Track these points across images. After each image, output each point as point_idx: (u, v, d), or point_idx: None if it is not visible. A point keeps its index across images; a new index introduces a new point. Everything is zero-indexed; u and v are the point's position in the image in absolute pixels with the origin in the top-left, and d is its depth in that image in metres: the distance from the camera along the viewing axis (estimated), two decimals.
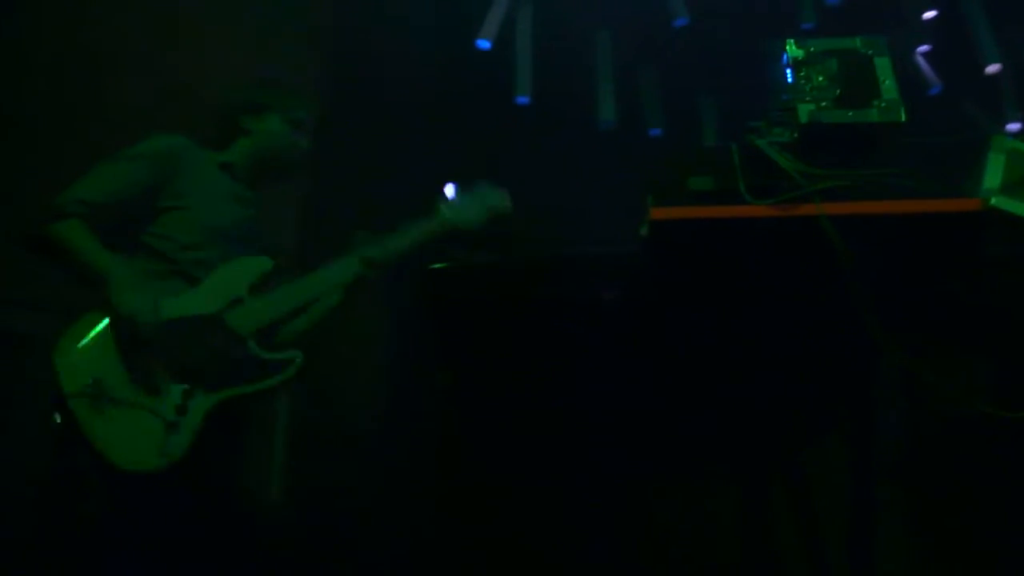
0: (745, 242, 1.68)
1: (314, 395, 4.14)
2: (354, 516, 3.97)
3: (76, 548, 2.35)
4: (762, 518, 2.35)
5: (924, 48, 4.52)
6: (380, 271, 2.57)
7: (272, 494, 4.04)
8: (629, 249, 1.82)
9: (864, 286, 1.55)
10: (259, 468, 3.93)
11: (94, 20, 3.60)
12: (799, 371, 2.00)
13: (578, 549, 2.83)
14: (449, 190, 2.71)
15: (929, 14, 4.41)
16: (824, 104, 1.70)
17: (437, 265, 2.44)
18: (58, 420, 2.11)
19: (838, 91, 1.70)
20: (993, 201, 1.67)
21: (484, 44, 4.48)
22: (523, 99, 4.57)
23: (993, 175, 1.69)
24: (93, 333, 2.20)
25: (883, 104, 1.68)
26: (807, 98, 1.71)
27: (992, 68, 4.30)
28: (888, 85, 1.69)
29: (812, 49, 1.76)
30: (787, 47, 1.79)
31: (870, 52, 1.74)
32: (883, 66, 1.71)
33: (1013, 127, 4.53)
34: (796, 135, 1.72)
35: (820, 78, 1.72)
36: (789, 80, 1.75)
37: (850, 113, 1.68)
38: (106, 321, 2.20)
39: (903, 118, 1.67)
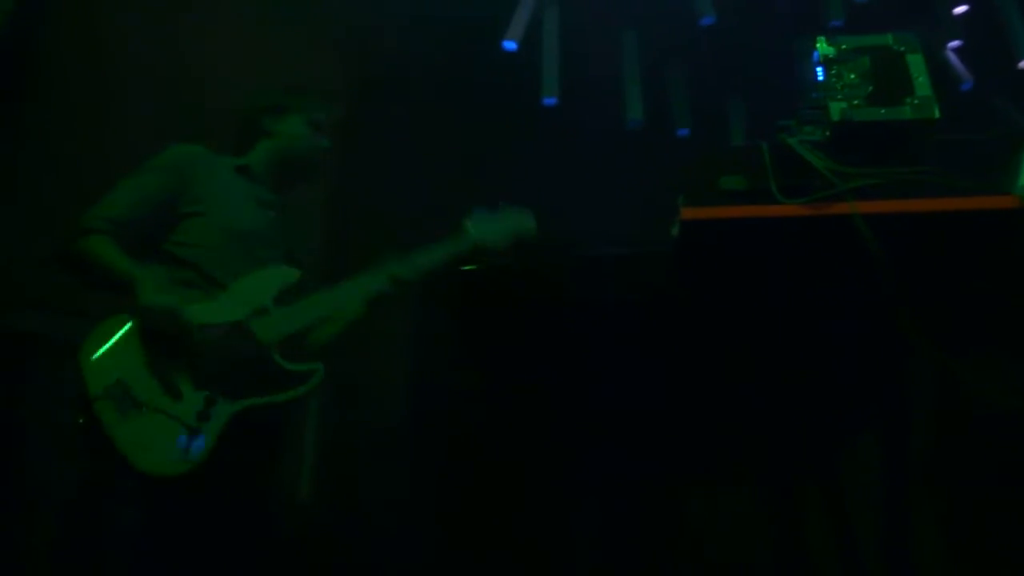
0: (777, 242, 1.67)
1: (342, 396, 4.17)
2: (381, 516, 3.99)
3: (98, 551, 2.38)
4: (794, 518, 2.34)
5: (955, 43, 4.47)
6: (405, 288, 2.60)
7: (303, 494, 4.07)
8: (658, 250, 1.82)
9: (897, 285, 1.54)
10: (290, 469, 3.96)
11: (106, 25, 3.63)
12: (831, 371, 1.99)
13: (608, 548, 2.83)
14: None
15: (960, 9, 4.36)
16: (856, 102, 1.68)
17: (466, 267, 2.45)
18: (81, 422, 2.13)
19: (870, 88, 1.69)
20: None
21: (510, 45, 4.49)
22: (550, 100, 4.57)
23: None
24: (118, 336, 2.22)
25: (916, 101, 1.66)
26: (839, 96, 1.70)
27: None
28: (921, 82, 1.67)
29: (843, 47, 1.75)
30: (818, 45, 1.78)
31: (902, 49, 1.73)
32: (916, 63, 1.70)
33: None
34: (828, 133, 1.71)
35: (852, 76, 1.71)
36: (820, 78, 1.74)
37: (883, 111, 1.67)
38: (131, 324, 2.22)
39: (937, 115, 1.65)
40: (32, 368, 3.08)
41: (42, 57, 3.40)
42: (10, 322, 3.07)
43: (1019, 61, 4.24)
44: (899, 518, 2.14)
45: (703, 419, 2.13)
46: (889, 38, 1.75)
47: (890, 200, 1.61)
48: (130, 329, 2.22)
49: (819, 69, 1.75)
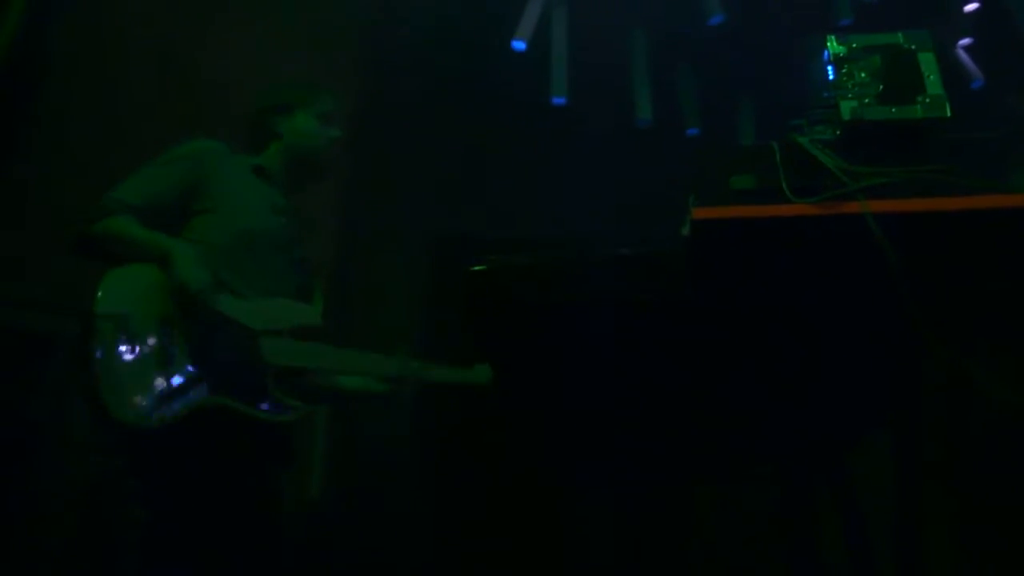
0: (788, 241, 1.67)
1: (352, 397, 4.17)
2: (390, 515, 4.00)
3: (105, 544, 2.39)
4: (806, 516, 2.33)
5: (965, 41, 4.45)
6: (406, 388, 2.62)
7: (312, 493, 4.08)
8: (668, 249, 1.82)
9: (910, 284, 1.54)
10: (301, 469, 3.97)
11: (123, 20, 3.65)
12: (844, 370, 1.98)
13: (620, 547, 2.83)
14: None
15: (971, 6, 4.34)
16: (867, 101, 1.68)
17: (476, 267, 2.45)
18: (79, 330, 2.14)
19: (881, 87, 1.68)
20: None
21: (519, 45, 4.49)
22: (559, 100, 4.57)
23: None
24: (143, 280, 2.24)
25: (927, 100, 1.65)
26: (849, 95, 1.69)
27: None
28: (932, 80, 1.66)
29: (854, 45, 1.74)
30: (828, 43, 1.77)
31: (913, 47, 1.72)
32: (927, 61, 1.69)
33: None
34: (839, 132, 1.70)
35: (863, 74, 1.70)
36: (831, 77, 1.73)
37: (894, 109, 1.66)
38: (159, 278, 2.23)
39: (948, 114, 1.64)
40: (44, 368, 3.10)
41: (53, 56, 3.42)
42: (23, 322, 3.09)
43: None
44: (911, 517, 2.14)
45: (714, 418, 2.13)
46: (900, 36, 1.74)
47: (901, 199, 1.60)
48: (157, 280, 2.23)
49: (829, 68, 1.74)
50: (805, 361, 1.94)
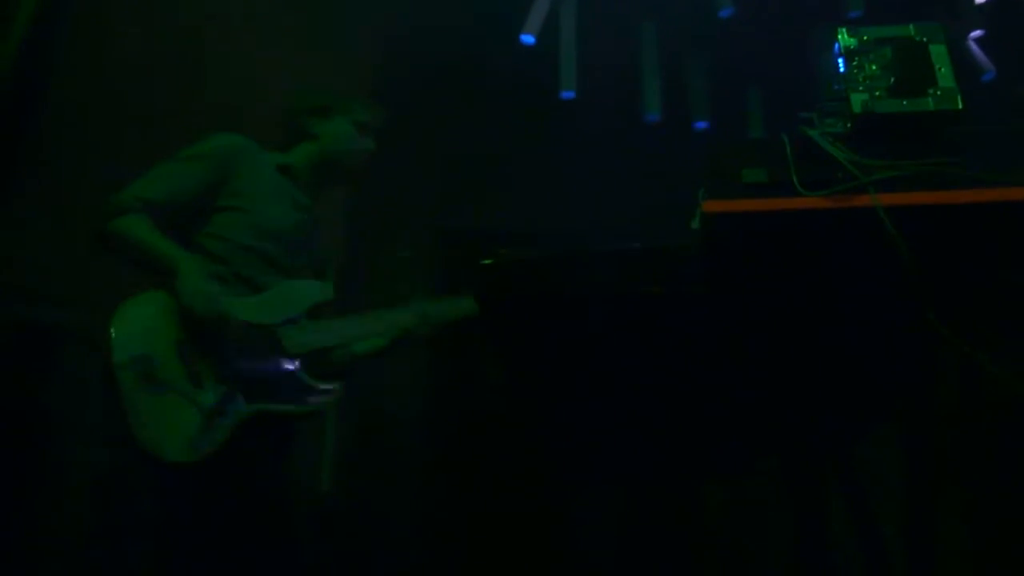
0: (799, 234, 1.67)
1: (362, 388, 4.19)
2: (399, 507, 4.01)
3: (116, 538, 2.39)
4: (816, 509, 2.33)
5: (977, 33, 4.43)
6: (431, 330, 2.59)
7: (323, 484, 4.09)
8: (677, 243, 1.82)
9: (921, 277, 1.54)
10: (311, 460, 3.99)
11: (139, 25, 3.65)
12: (855, 363, 1.98)
13: (628, 538, 2.83)
14: None
15: None
16: (878, 93, 1.67)
17: (485, 261, 2.45)
18: (103, 386, 2.09)
19: (892, 80, 1.68)
20: None
21: (528, 39, 4.49)
22: (568, 93, 4.57)
23: None
24: (151, 311, 2.19)
25: (939, 92, 1.65)
26: (860, 87, 1.69)
27: None
28: (944, 73, 1.66)
29: (865, 37, 1.74)
30: (839, 36, 1.77)
31: (925, 39, 1.71)
32: (939, 53, 1.68)
33: None
34: (849, 125, 1.70)
35: (873, 67, 1.70)
36: (841, 69, 1.73)
37: (905, 102, 1.66)
38: (167, 303, 2.19)
39: (960, 106, 1.64)
40: (56, 360, 3.12)
41: (62, 54, 3.43)
42: (35, 315, 3.10)
43: None
44: (922, 509, 2.14)
45: (724, 411, 2.13)
46: (911, 29, 1.73)
47: (912, 192, 1.60)
48: (166, 306, 2.19)
49: (840, 60, 1.74)
50: (815, 353, 1.94)
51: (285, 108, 2.73)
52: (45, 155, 3.27)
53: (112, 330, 2.12)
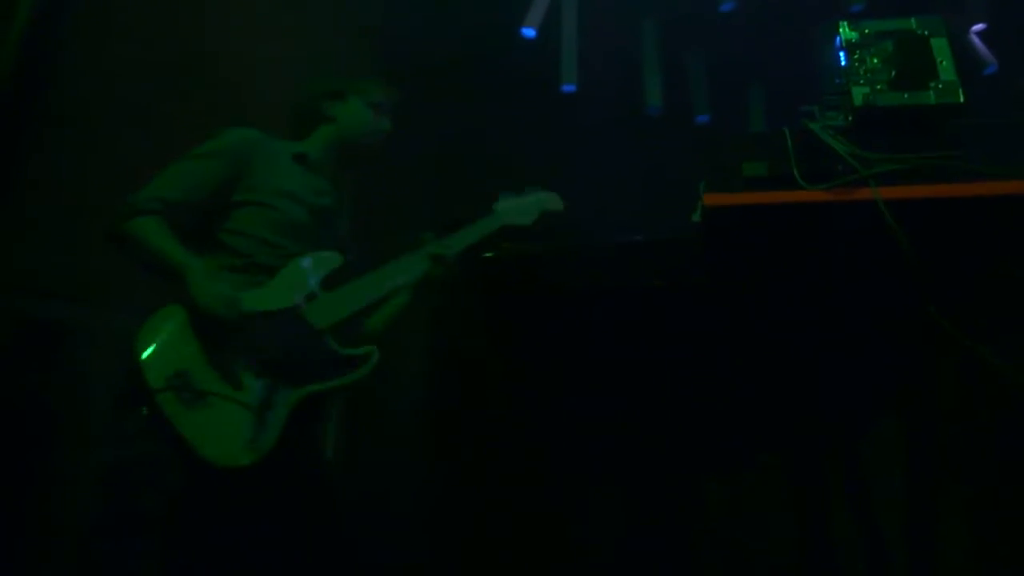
0: (800, 227, 1.67)
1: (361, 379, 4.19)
2: (401, 504, 4.02)
3: (153, 540, 2.36)
4: (818, 504, 2.34)
5: (979, 27, 4.42)
6: (446, 269, 2.57)
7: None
8: (677, 236, 1.82)
9: (922, 270, 1.54)
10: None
11: (141, 25, 3.65)
12: (856, 357, 1.98)
13: (631, 533, 2.83)
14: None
15: None
16: (879, 87, 1.67)
17: (487, 254, 2.46)
18: (144, 413, 2.06)
19: (893, 73, 1.68)
20: None
21: (529, 33, 4.48)
22: (569, 87, 4.57)
23: None
24: (172, 326, 2.17)
25: (940, 86, 1.65)
26: (861, 81, 1.69)
27: None
28: (945, 66, 1.66)
29: (867, 31, 1.74)
30: (840, 29, 1.76)
31: (926, 32, 1.71)
32: (940, 47, 1.68)
33: None
34: (850, 119, 1.70)
35: (875, 60, 1.70)
36: (843, 63, 1.73)
37: (906, 95, 1.66)
38: (185, 314, 2.17)
39: (961, 99, 1.64)
40: (58, 356, 3.12)
41: (64, 51, 3.43)
42: (36, 311, 3.10)
43: None
44: (923, 505, 2.14)
45: (724, 405, 2.13)
46: (913, 22, 1.73)
47: (913, 185, 1.60)
48: (183, 319, 2.17)
49: (841, 54, 1.74)
50: (816, 347, 1.95)
51: (299, 95, 2.70)
52: (48, 152, 3.27)
53: (138, 359, 2.09)
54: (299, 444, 2.21)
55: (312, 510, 2.28)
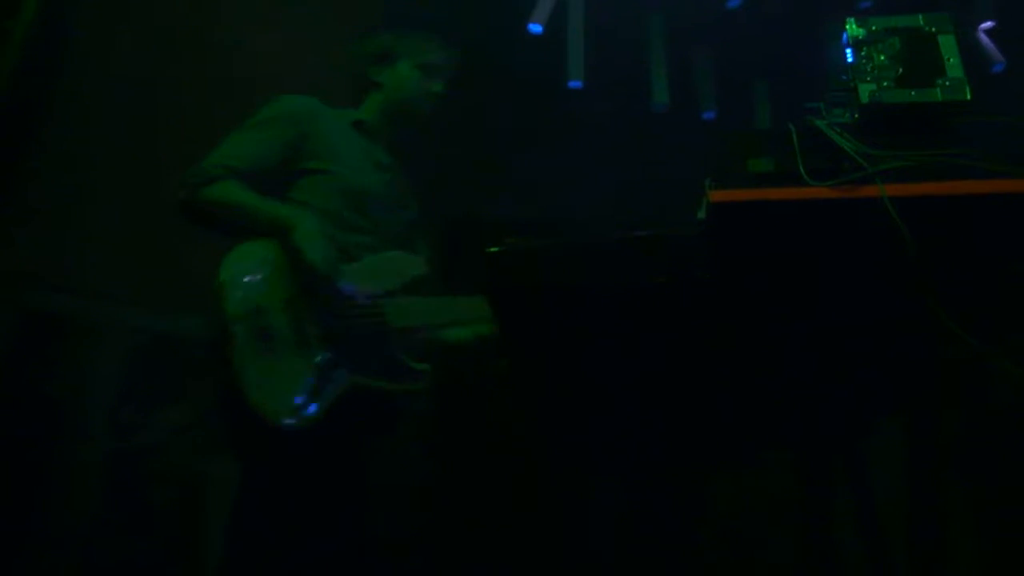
0: (805, 224, 1.67)
1: None
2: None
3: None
4: (821, 504, 2.33)
5: (987, 24, 4.41)
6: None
7: None
8: (684, 232, 1.82)
9: (929, 269, 1.53)
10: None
11: (143, 24, 3.65)
12: (861, 356, 1.98)
13: (632, 532, 2.83)
14: None
15: None
16: (886, 84, 1.67)
17: (491, 249, 2.45)
18: (217, 338, 1.97)
19: (900, 70, 1.67)
20: None
21: (536, 28, 4.48)
22: (575, 83, 4.56)
23: None
24: (264, 263, 2.08)
25: (947, 83, 1.64)
26: (868, 77, 1.68)
27: None
28: (953, 63, 1.65)
29: (873, 27, 1.73)
30: (847, 26, 1.76)
31: (934, 30, 1.71)
32: (947, 44, 1.68)
33: None
34: (857, 115, 1.70)
35: (882, 57, 1.69)
36: (849, 59, 1.72)
37: (913, 92, 1.65)
38: (279, 257, 2.09)
39: (968, 97, 1.63)
40: (60, 348, 3.13)
41: (72, 44, 3.43)
42: (40, 304, 3.12)
43: None
44: (926, 501, 2.14)
45: (728, 403, 2.13)
46: (920, 19, 1.73)
47: (919, 183, 1.59)
48: (278, 258, 2.08)
49: (848, 50, 1.73)
50: (820, 345, 1.94)
51: (349, 57, 2.60)
52: (52, 146, 3.28)
53: (224, 278, 2.01)
54: (358, 448, 2.15)
55: (346, 511, 2.20)
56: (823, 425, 2.24)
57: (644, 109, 4.67)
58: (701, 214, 1.75)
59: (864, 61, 1.70)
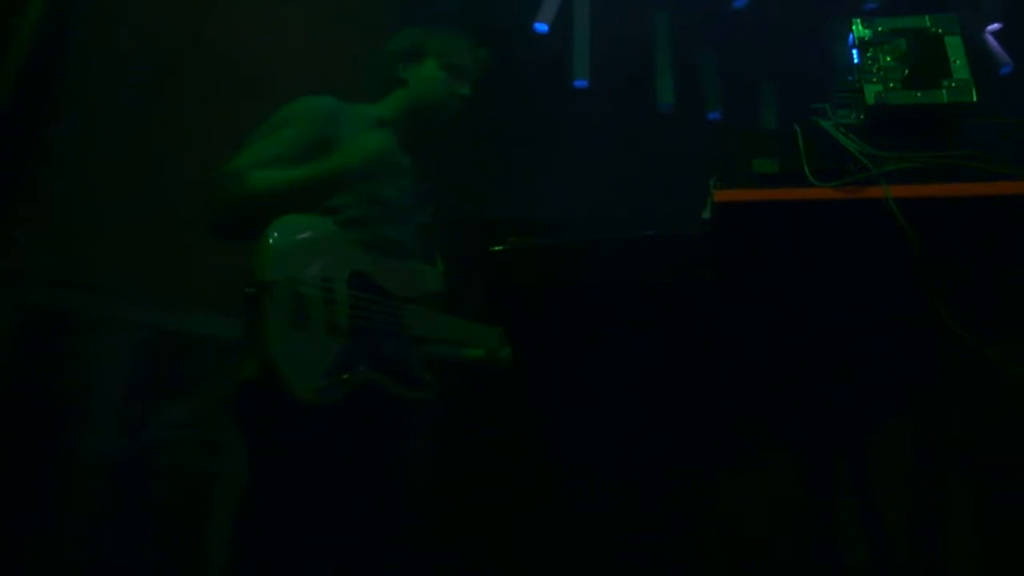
0: (810, 225, 1.67)
1: None
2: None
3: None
4: (825, 503, 2.33)
5: (995, 26, 4.40)
6: (495, 366, 2.48)
7: None
8: (689, 231, 1.82)
9: (934, 270, 1.53)
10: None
11: (145, 24, 3.65)
12: (865, 356, 1.98)
13: (635, 530, 2.84)
14: None
15: None
16: (892, 85, 1.67)
17: (496, 248, 2.45)
18: (250, 292, 1.93)
19: (906, 71, 1.67)
20: None
21: (542, 27, 4.48)
22: (581, 82, 4.56)
23: None
24: (312, 235, 2.07)
25: (954, 85, 1.64)
26: (874, 79, 1.68)
27: None
28: (959, 65, 1.65)
29: (880, 28, 1.73)
30: (853, 27, 1.76)
31: (940, 31, 1.71)
32: (954, 45, 1.68)
33: None
34: (862, 117, 1.70)
35: (888, 58, 1.69)
36: (855, 61, 1.72)
37: (919, 94, 1.65)
38: (327, 231, 2.09)
39: (975, 98, 1.63)
40: (66, 344, 3.14)
41: (75, 47, 3.44)
42: (44, 300, 3.13)
43: None
44: (930, 501, 2.14)
45: (732, 402, 2.13)
46: (927, 20, 1.73)
47: (925, 184, 1.60)
48: (327, 234, 2.08)
49: (854, 52, 1.73)
50: (825, 345, 1.94)
51: (379, 54, 2.56)
52: (55, 142, 3.29)
53: (271, 240, 1.96)
54: (368, 446, 2.14)
55: (362, 506, 2.18)
56: (826, 425, 2.24)
57: (650, 109, 4.67)
58: (706, 214, 1.75)
59: (870, 62, 1.70)
